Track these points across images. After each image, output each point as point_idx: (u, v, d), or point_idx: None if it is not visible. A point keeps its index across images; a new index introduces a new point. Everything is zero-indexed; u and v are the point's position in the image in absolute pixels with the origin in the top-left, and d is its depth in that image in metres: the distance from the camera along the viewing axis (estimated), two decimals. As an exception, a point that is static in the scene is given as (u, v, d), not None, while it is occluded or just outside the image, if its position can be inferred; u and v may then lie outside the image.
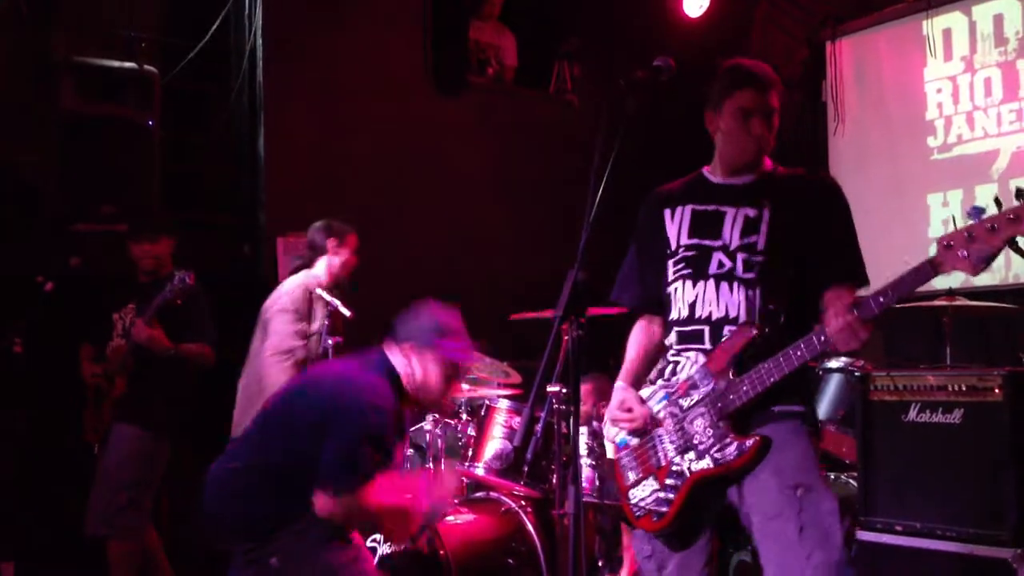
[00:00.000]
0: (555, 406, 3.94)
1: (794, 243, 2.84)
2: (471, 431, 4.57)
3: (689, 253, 2.92)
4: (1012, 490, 3.78)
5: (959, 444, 3.95)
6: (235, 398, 4.90)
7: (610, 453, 4.73)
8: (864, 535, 4.01)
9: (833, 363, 4.84)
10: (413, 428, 4.69)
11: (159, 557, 4.92)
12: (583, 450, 4.45)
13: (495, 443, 4.48)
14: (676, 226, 2.97)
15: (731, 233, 2.87)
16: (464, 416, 4.69)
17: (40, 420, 5.24)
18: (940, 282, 5.97)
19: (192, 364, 4.78)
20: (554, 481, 4.25)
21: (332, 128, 6.24)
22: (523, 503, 4.46)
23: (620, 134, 2.59)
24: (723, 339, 2.81)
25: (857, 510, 4.08)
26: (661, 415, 2.91)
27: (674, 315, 2.94)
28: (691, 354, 2.87)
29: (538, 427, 2.91)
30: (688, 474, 2.80)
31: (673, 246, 2.97)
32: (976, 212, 2.40)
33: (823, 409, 4.66)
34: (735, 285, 2.83)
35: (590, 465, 4.48)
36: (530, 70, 7.39)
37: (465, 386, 4.79)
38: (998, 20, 6.26)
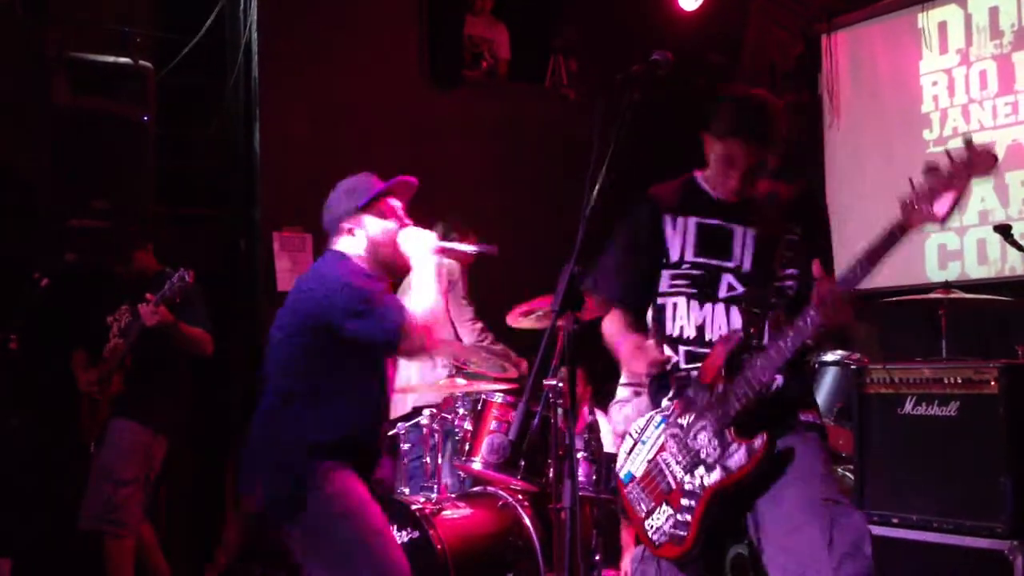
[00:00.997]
0: (551, 400, 3.95)
1: (795, 261, 2.87)
2: (467, 425, 4.57)
3: (696, 272, 2.91)
4: (1008, 482, 3.79)
5: (955, 437, 3.96)
6: (231, 394, 4.89)
7: (608, 447, 4.75)
8: (860, 528, 4.01)
9: (829, 356, 4.84)
10: (410, 423, 4.69)
11: (155, 554, 4.91)
12: (578, 443, 4.45)
13: (491, 438, 4.48)
14: (680, 238, 2.94)
15: (742, 256, 2.88)
16: (460, 411, 4.69)
17: (37, 416, 5.24)
18: (936, 275, 6.01)
19: (191, 348, 4.75)
20: (551, 475, 4.26)
21: (327, 123, 6.23)
22: (520, 497, 4.46)
23: (617, 129, 2.58)
24: (711, 350, 2.81)
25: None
26: (662, 439, 2.88)
27: (675, 331, 2.92)
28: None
29: (534, 421, 2.91)
30: (702, 490, 2.77)
31: (674, 258, 2.94)
32: (931, 168, 2.48)
33: (819, 402, 4.66)
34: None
35: (586, 459, 4.48)
36: (524, 64, 7.38)
37: (461, 380, 4.80)
38: (993, 13, 6.25)
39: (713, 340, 2.85)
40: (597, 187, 2.56)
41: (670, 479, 2.85)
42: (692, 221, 2.94)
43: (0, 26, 5.25)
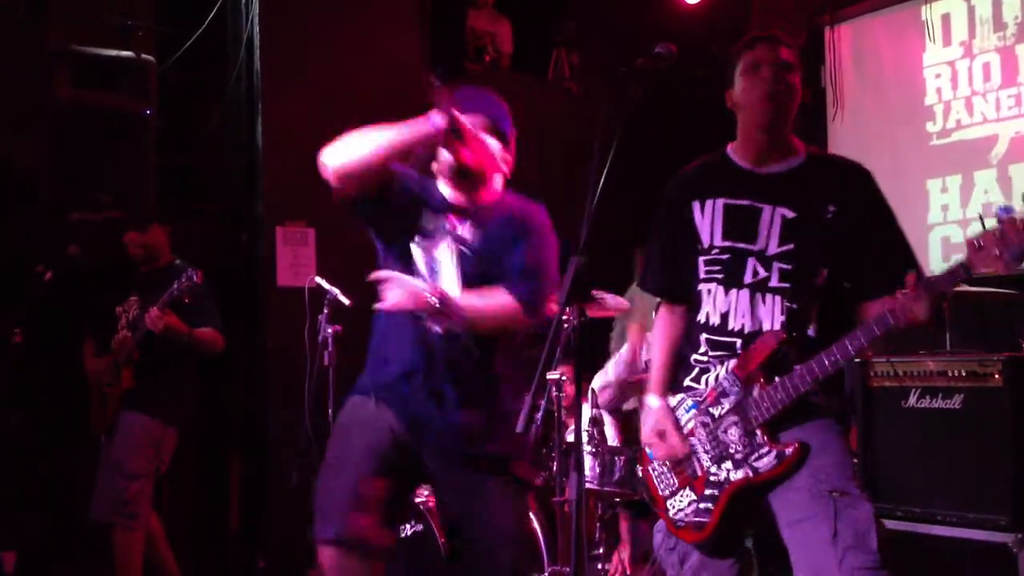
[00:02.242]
0: (554, 393, 3.95)
1: (833, 247, 2.74)
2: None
3: (724, 256, 2.82)
4: (1011, 475, 3.79)
5: (959, 429, 3.96)
6: (234, 388, 4.89)
7: (611, 440, 4.74)
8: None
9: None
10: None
11: (162, 545, 4.92)
12: (583, 437, 4.44)
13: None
14: (708, 222, 2.86)
15: (768, 237, 2.76)
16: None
17: (40, 410, 5.24)
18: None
19: (204, 350, 4.78)
20: (554, 468, 4.25)
21: (329, 117, 6.16)
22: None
23: (621, 122, 2.56)
24: (751, 346, 2.75)
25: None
26: (691, 424, 2.85)
27: (702, 318, 2.85)
28: (721, 362, 2.81)
29: (538, 415, 2.89)
30: (726, 484, 2.76)
31: (705, 244, 2.86)
32: (1005, 211, 2.41)
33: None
34: (768, 297, 2.75)
35: (589, 452, 4.47)
36: (526, 57, 7.38)
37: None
38: (997, 5, 6.24)
39: (735, 328, 2.78)
40: (601, 179, 2.53)
41: (696, 466, 2.83)
42: (720, 203, 2.85)
43: (2, 19, 5.24)
